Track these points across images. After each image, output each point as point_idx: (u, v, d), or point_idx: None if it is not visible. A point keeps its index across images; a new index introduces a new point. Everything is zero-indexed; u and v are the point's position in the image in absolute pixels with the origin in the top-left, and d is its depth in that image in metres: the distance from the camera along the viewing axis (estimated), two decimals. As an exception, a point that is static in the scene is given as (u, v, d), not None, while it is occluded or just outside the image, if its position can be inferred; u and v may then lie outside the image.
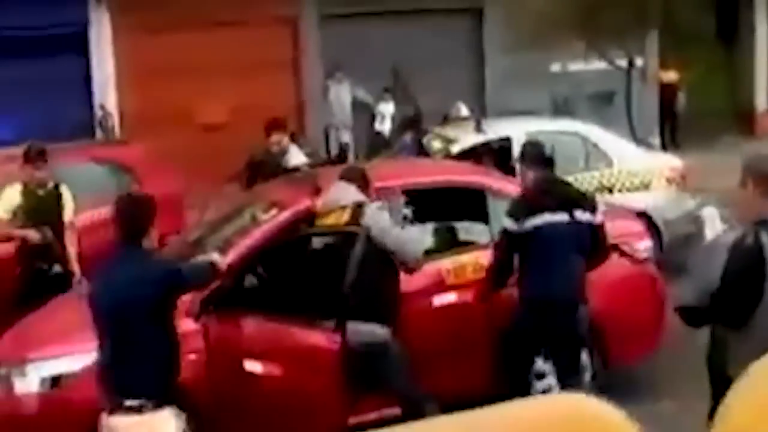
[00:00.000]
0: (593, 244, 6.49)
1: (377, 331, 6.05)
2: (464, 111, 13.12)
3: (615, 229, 7.19)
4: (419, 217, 7.50)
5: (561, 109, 17.87)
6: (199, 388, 5.90)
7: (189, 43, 16.41)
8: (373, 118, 17.53)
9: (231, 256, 6.38)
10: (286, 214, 6.85)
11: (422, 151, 11.54)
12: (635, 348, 7.34)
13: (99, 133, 16.26)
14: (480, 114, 13.45)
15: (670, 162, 11.82)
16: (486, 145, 11.01)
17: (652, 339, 7.41)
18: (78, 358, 6.05)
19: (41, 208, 8.42)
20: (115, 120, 16.31)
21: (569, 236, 6.29)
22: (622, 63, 16.02)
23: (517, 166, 7.39)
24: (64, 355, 6.25)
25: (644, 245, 7.62)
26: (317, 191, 6.76)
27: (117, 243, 5.24)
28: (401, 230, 6.58)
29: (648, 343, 7.41)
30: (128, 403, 4.99)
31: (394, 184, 7.33)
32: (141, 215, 5.21)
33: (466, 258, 7.14)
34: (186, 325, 5.77)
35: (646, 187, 11.07)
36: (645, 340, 7.39)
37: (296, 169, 8.62)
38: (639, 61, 18.00)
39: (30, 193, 8.46)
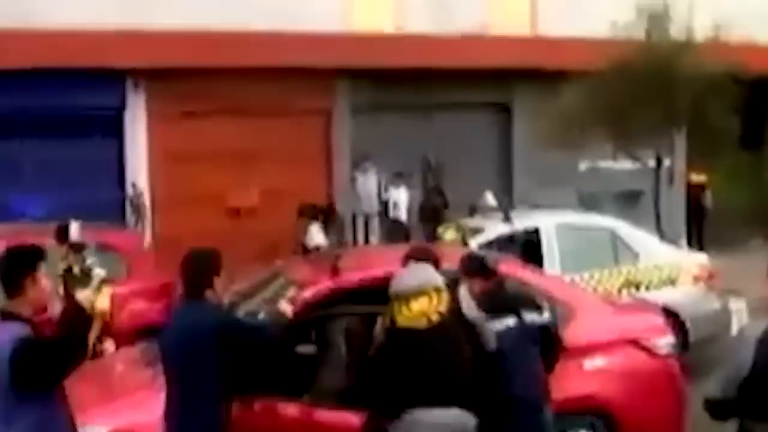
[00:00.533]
0: (545, 345, 6.25)
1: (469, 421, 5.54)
2: (492, 201, 13.17)
3: (636, 322, 7.13)
4: None
5: (588, 206, 17.88)
6: None
7: (222, 129, 16.69)
8: (386, 205, 17.62)
9: None
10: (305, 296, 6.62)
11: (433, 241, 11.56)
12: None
13: (129, 213, 16.43)
14: (508, 205, 13.50)
15: (697, 260, 11.80)
16: (514, 236, 11.04)
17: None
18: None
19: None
20: (147, 201, 16.47)
21: (522, 338, 6.19)
22: (651, 162, 16.09)
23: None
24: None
25: (665, 341, 7.55)
26: (336, 270, 6.73)
27: (182, 295, 5.48)
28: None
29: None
30: None
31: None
32: (205, 269, 5.43)
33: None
34: None
35: (672, 283, 11.03)
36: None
37: (317, 248, 8.71)
38: (667, 162, 18.10)
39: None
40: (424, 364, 5.29)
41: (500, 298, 6.20)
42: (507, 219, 11.26)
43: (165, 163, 16.61)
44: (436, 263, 5.91)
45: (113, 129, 16.65)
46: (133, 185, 16.42)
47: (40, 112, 15.94)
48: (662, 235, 15.42)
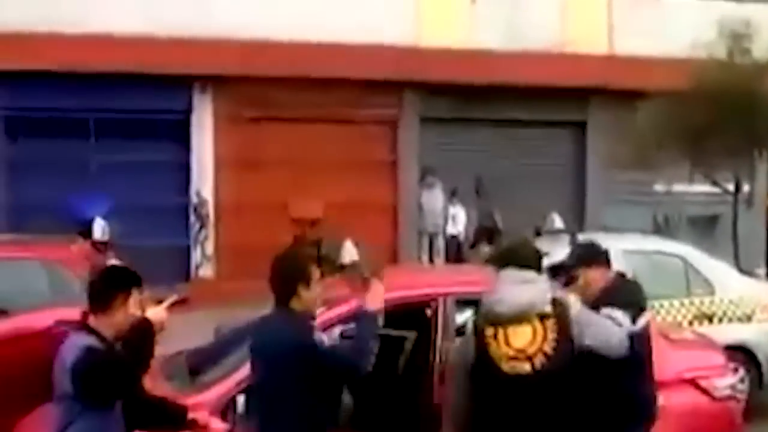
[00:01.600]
0: None
1: None
2: (558, 223, 12.76)
3: (695, 359, 6.74)
4: None
5: (662, 230, 17.45)
6: None
7: (289, 136, 16.69)
8: (446, 220, 17.26)
9: None
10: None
11: None
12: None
13: (193, 219, 16.49)
14: (577, 228, 13.10)
15: (776, 293, 11.21)
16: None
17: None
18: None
19: None
20: (210, 208, 16.51)
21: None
22: (729, 186, 15.53)
23: None
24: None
25: (726, 382, 7.06)
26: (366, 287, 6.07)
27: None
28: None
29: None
30: None
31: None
32: (292, 275, 4.73)
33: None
34: (213, 425, 5.23)
35: (748, 318, 10.46)
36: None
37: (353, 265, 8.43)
38: (746, 186, 17.51)
39: None
40: (522, 418, 4.57)
41: (629, 292, 5.48)
42: (573, 243, 10.83)
43: (230, 169, 16.69)
44: (538, 262, 5.03)
45: (180, 133, 16.77)
46: (198, 194, 16.43)
47: (110, 115, 16.22)
48: (739, 263, 14.86)
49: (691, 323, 10.12)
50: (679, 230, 17.37)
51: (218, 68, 15.95)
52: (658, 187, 18.31)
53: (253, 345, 4.86)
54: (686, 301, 10.30)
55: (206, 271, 16.57)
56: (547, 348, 4.57)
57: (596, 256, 5.60)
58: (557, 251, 10.79)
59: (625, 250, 10.59)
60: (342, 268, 8.04)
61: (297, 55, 15.97)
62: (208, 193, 16.61)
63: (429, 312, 6.49)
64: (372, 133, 17.39)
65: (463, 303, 6.42)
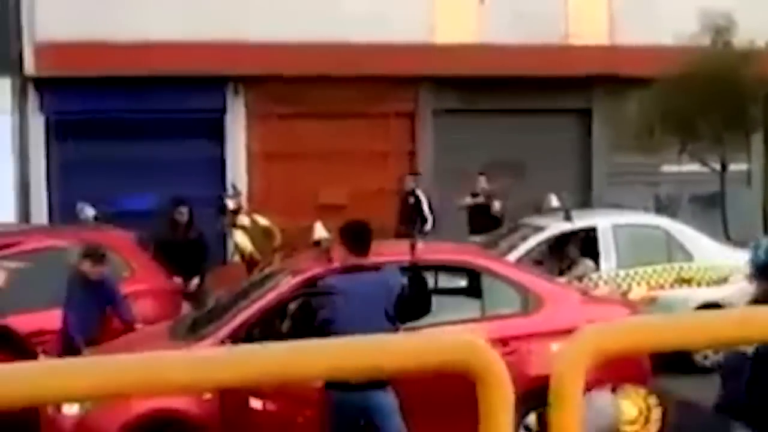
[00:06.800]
0: None
1: None
2: (555, 202, 14.07)
3: (601, 313, 7.79)
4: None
5: (664, 208, 18.49)
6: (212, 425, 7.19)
7: (316, 131, 17.85)
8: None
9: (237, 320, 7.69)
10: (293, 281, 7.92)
11: None
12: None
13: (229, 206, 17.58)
14: (573, 206, 14.33)
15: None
16: (573, 234, 11.93)
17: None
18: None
19: None
20: (244, 200, 17.64)
21: None
22: (717, 166, 16.71)
23: None
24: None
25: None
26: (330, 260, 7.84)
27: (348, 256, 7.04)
28: None
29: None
30: None
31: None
32: (364, 237, 7.07)
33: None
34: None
35: (724, 281, 11.71)
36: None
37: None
38: (744, 165, 18.62)
39: None
40: None
41: None
42: (567, 218, 12.15)
43: (262, 163, 17.85)
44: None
45: (215, 131, 17.93)
46: (233, 186, 17.58)
47: (150, 116, 17.24)
48: (728, 235, 16.06)
49: (671, 286, 11.47)
50: (680, 208, 18.41)
51: (250, 69, 17.05)
52: (661, 168, 19.51)
53: (354, 289, 6.84)
54: (668, 266, 11.64)
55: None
56: None
57: None
58: (552, 226, 12.21)
59: (615, 224, 11.97)
60: (316, 244, 9.53)
61: (322, 55, 17.02)
62: (242, 186, 17.80)
63: None
64: (391, 126, 18.61)
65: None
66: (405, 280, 6.87)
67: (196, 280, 12.37)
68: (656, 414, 4.39)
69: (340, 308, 6.72)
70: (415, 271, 6.90)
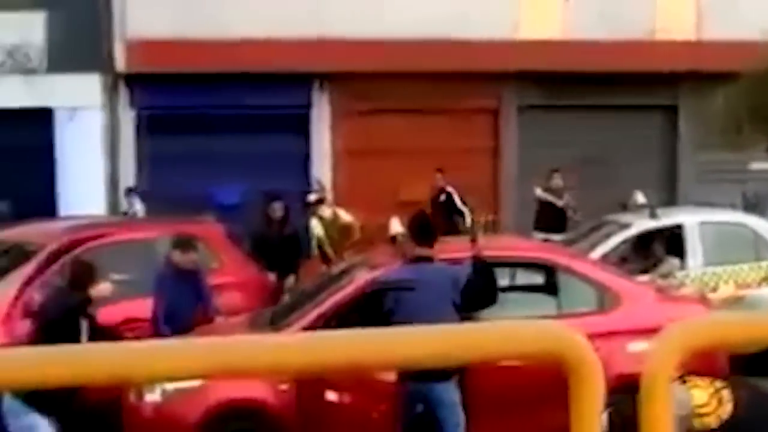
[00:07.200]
0: None
1: None
2: (641, 199, 13.96)
3: (679, 312, 7.59)
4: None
5: (752, 206, 18.18)
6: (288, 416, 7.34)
7: (399, 127, 17.98)
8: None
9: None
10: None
11: None
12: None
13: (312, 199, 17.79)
14: (659, 204, 14.20)
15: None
16: (659, 231, 11.82)
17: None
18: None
19: None
20: (330, 196, 17.84)
21: None
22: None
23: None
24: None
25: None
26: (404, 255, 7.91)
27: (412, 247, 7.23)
28: None
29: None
30: None
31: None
32: (430, 229, 7.28)
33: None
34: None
35: (812, 280, 11.50)
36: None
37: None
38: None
39: None
40: None
41: None
42: (653, 216, 12.05)
43: (346, 159, 18.03)
44: None
45: (301, 126, 18.16)
46: (318, 182, 17.78)
47: (238, 111, 17.58)
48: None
49: (759, 285, 11.30)
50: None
51: (335, 66, 17.24)
52: (750, 166, 19.18)
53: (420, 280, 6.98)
54: (755, 265, 11.48)
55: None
56: None
57: None
58: (637, 223, 12.13)
59: (701, 221, 11.84)
60: (392, 239, 9.61)
61: (404, 52, 17.13)
62: (326, 181, 18.00)
63: None
64: (474, 122, 18.63)
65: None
66: (470, 270, 6.98)
67: (292, 278, 12.48)
68: (726, 396, 4.41)
69: (407, 300, 6.85)
70: (481, 260, 7.00)
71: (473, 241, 7.25)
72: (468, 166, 18.06)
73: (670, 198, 18.47)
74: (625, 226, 12.09)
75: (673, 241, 11.59)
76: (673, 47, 18.34)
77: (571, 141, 18.36)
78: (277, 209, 12.85)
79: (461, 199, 15.83)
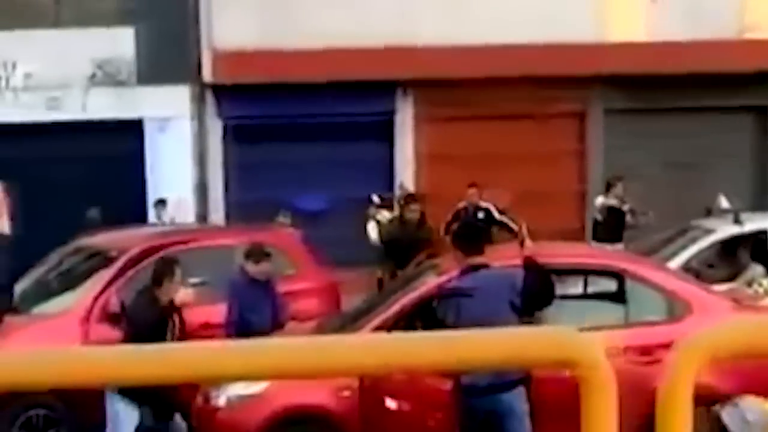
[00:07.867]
0: None
1: None
2: (725, 204, 13.64)
3: None
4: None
5: None
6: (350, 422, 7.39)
7: (483, 133, 17.91)
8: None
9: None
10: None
11: None
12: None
13: (397, 210, 17.90)
14: (748, 209, 13.86)
15: None
16: (744, 237, 11.56)
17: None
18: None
19: None
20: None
21: None
22: None
23: None
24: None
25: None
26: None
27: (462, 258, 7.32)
28: None
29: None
30: None
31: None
32: (478, 237, 7.47)
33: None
34: None
35: None
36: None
37: None
38: None
39: None
40: None
41: None
42: (737, 221, 11.79)
43: (430, 164, 18.04)
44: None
45: (384, 133, 18.26)
46: (401, 186, 17.86)
47: (323, 119, 17.76)
48: None
49: None
50: None
51: (418, 73, 17.27)
52: None
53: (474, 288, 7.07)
54: None
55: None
56: None
57: None
58: (721, 228, 11.89)
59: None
60: None
61: (487, 57, 17.06)
62: (409, 187, 18.05)
63: None
64: (559, 126, 18.48)
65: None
66: (526, 272, 7.06)
67: None
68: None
69: (466, 308, 6.92)
70: (533, 262, 7.07)
71: (521, 244, 7.31)
72: (553, 171, 17.93)
73: (762, 203, 18.00)
74: (709, 231, 11.87)
75: (758, 247, 11.32)
76: (763, 46, 17.91)
77: (658, 144, 18.09)
78: (414, 211, 12.94)
79: (499, 211, 15.09)
